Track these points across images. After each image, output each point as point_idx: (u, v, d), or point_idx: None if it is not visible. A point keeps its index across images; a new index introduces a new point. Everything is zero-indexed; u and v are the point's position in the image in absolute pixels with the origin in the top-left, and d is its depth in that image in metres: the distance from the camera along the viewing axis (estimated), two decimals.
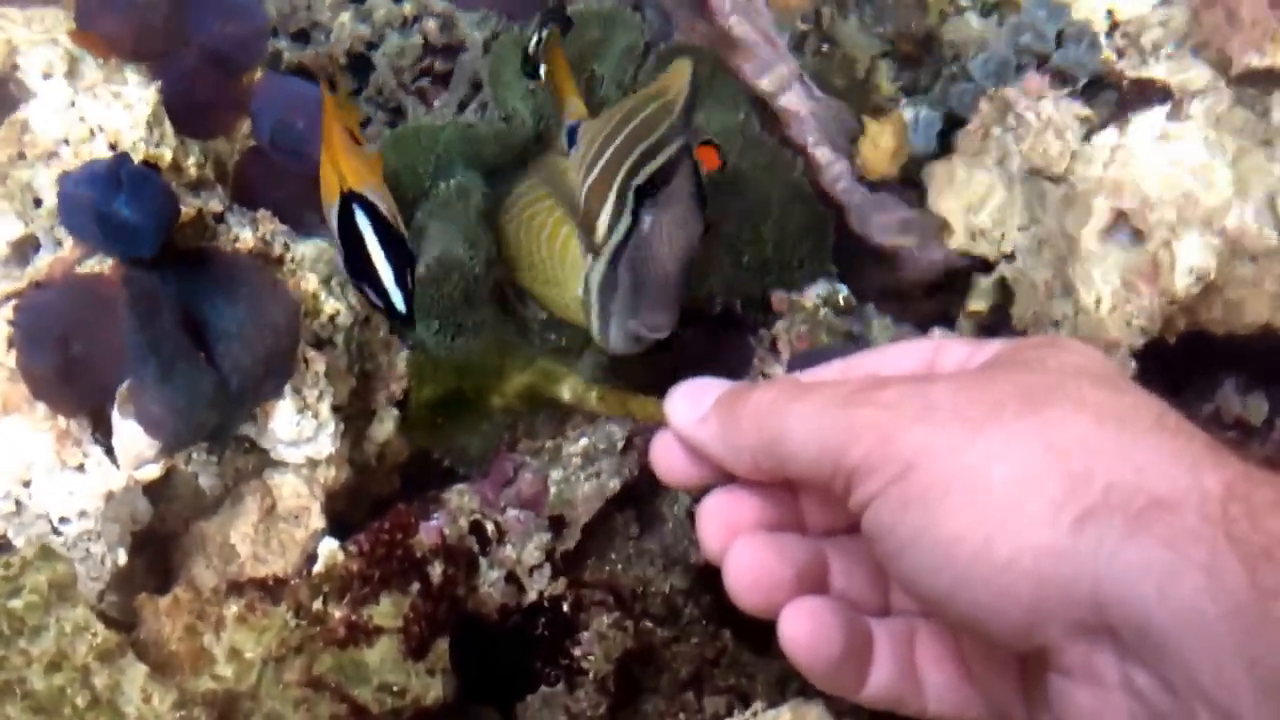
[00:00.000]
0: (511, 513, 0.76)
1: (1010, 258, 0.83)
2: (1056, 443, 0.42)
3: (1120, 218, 0.77)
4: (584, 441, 0.77)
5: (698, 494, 0.52)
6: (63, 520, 0.70)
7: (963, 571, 0.42)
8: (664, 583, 0.75)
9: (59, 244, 0.72)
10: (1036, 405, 0.43)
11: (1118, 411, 0.42)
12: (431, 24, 0.98)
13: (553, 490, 0.76)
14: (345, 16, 0.99)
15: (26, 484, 0.70)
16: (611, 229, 0.64)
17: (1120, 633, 0.39)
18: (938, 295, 0.89)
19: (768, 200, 0.87)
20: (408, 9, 0.99)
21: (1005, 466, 0.42)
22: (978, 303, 0.84)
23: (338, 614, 0.64)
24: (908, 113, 0.90)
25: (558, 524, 0.75)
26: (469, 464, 0.83)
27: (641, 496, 0.77)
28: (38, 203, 0.72)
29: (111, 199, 0.68)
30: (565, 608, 0.72)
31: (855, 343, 0.83)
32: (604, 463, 0.76)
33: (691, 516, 0.75)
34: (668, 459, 0.52)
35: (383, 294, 0.62)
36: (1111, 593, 0.39)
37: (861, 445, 0.44)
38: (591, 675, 0.70)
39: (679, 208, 0.61)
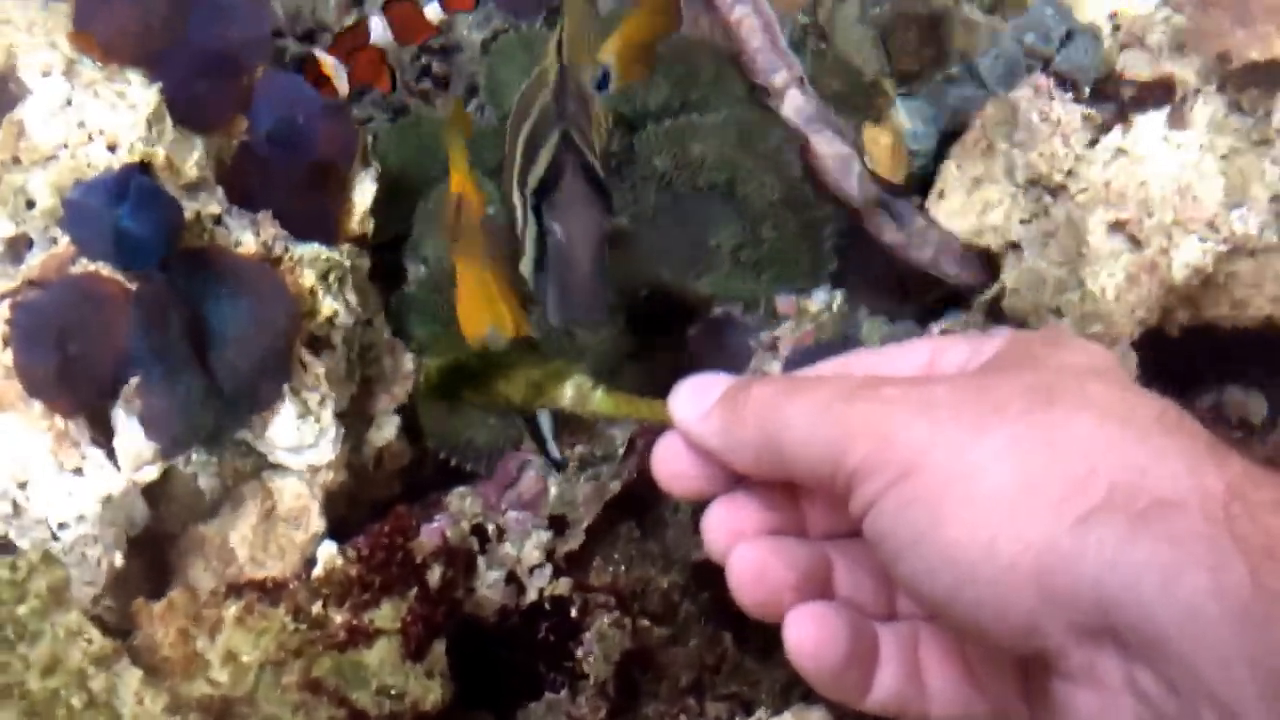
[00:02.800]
0: (512, 514, 0.75)
1: (1015, 248, 0.83)
2: (1059, 443, 0.42)
3: (1123, 218, 0.77)
4: (579, 448, 0.77)
5: (701, 502, 0.52)
6: (61, 525, 0.69)
7: (964, 573, 0.42)
8: (662, 580, 0.74)
9: (54, 243, 0.72)
10: (1038, 405, 0.43)
11: (1120, 410, 0.42)
12: None
13: (553, 491, 0.76)
14: (349, 22, 0.99)
15: (23, 485, 0.70)
16: (524, 230, 0.64)
17: (1123, 633, 0.39)
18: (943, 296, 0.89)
19: (766, 200, 0.87)
20: None
21: (1007, 467, 0.41)
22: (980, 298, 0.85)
23: (338, 618, 0.63)
24: (907, 118, 0.90)
25: (559, 523, 0.75)
26: (477, 459, 0.82)
27: (642, 500, 0.77)
28: (30, 204, 0.71)
29: (116, 211, 0.68)
30: (573, 613, 0.71)
31: (850, 343, 0.83)
32: (603, 466, 0.76)
33: (695, 521, 0.75)
34: (669, 465, 0.51)
35: (541, 442, 0.68)
36: (1114, 593, 0.39)
37: (861, 447, 0.44)
38: (592, 679, 0.70)
39: (576, 208, 0.60)
